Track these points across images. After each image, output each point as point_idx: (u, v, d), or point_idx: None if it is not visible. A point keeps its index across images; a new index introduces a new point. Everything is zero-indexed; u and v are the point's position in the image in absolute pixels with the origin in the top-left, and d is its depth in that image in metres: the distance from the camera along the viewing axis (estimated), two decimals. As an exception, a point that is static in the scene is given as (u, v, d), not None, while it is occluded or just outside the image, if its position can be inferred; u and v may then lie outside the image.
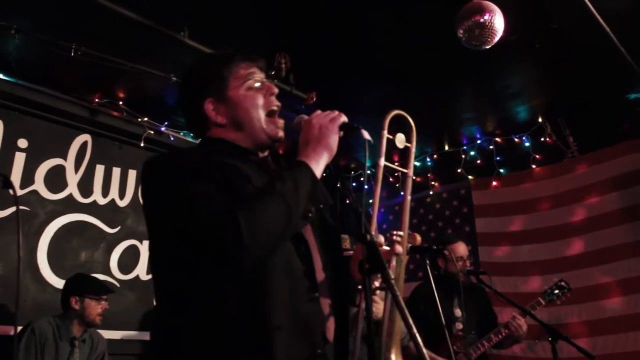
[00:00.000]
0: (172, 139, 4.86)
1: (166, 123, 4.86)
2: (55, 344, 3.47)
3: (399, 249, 1.63)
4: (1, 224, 3.95)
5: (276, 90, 1.64)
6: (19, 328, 3.43)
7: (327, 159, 1.50)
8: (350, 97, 4.56)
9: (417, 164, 5.88)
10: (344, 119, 1.56)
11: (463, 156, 5.64)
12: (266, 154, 1.65)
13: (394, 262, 1.62)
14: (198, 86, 1.63)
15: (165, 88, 4.34)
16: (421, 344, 1.27)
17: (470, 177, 5.65)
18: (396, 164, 1.90)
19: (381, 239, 1.61)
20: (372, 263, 1.37)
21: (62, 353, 3.48)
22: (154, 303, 1.50)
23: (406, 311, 1.32)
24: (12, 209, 3.98)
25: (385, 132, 1.76)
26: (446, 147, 5.76)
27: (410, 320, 1.30)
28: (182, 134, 4.95)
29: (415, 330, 1.28)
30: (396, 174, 5.55)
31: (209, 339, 1.32)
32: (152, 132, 4.74)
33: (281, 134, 1.62)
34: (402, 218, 1.76)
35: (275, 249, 1.35)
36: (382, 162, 1.75)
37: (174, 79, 4.06)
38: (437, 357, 3.47)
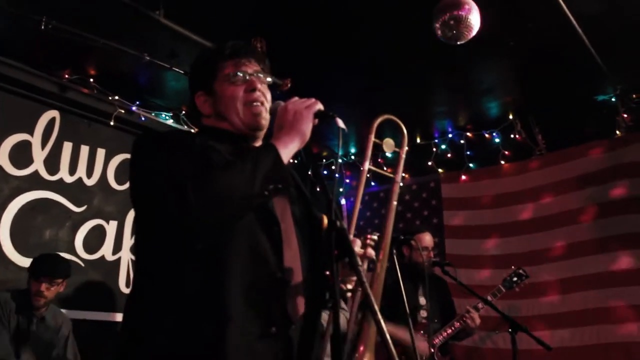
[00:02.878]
0: (143, 119, 4.78)
1: (137, 103, 4.78)
2: (17, 317, 3.45)
3: (370, 252, 1.67)
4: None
5: (257, 85, 1.66)
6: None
7: (299, 144, 1.53)
8: (324, 86, 4.56)
9: (389, 155, 5.89)
10: (319, 106, 1.58)
11: (434, 149, 5.70)
12: (259, 143, 1.70)
13: (365, 266, 1.65)
14: (193, 79, 1.76)
15: (138, 67, 4.27)
16: (384, 328, 1.30)
17: (440, 170, 5.72)
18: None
19: (357, 242, 1.65)
20: (341, 249, 1.40)
21: (22, 327, 3.46)
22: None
23: (372, 297, 1.34)
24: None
25: (372, 135, 1.77)
26: (418, 140, 5.81)
27: (376, 308, 1.32)
28: (153, 114, 4.87)
29: (380, 317, 1.31)
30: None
31: (169, 315, 1.37)
32: (122, 111, 4.65)
33: (258, 120, 1.65)
34: (385, 224, 1.77)
35: (226, 221, 1.40)
36: (367, 166, 1.77)
37: (148, 58, 3.98)
38: (398, 329, 3.48)
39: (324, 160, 6.25)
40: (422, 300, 3.85)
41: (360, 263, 1.38)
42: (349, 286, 1.67)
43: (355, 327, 1.68)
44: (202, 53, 1.79)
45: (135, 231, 1.59)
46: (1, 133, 4.13)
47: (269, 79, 1.72)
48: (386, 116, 1.87)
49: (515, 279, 3.95)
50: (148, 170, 1.45)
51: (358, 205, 1.76)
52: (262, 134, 1.69)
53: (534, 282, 4.07)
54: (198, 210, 1.32)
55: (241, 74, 1.66)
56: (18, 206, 4.15)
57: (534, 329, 3.79)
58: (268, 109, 1.67)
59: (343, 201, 6.22)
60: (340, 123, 1.54)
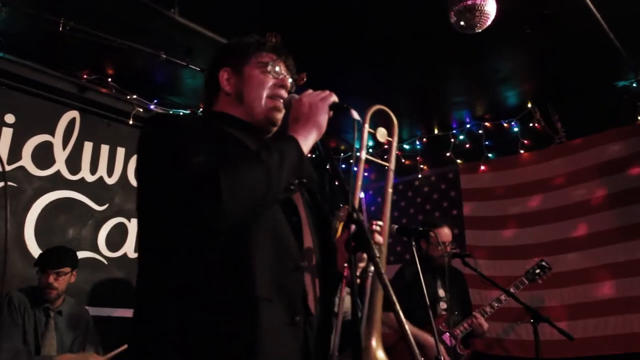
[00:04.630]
0: (161, 117, 4.83)
1: (155, 101, 4.83)
2: (34, 313, 3.50)
3: (378, 238, 1.68)
4: (-12, 199, 3.92)
5: (288, 85, 1.68)
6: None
7: (316, 136, 1.53)
8: (340, 79, 4.55)
9: (407, 147, 5.90)
10: (334, 98, 1.59)
11: (452, 140, 5.66)
12: (266, 136, 1.69)
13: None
14: (222, 56, 1.74)
15: (155, 65, 4.29)
16: (403, 319, 1.30)
17: (458, 161, 5.68)
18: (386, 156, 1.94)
19: None
20: (358, 241, 1.40)
21: (39, 322, 3.51)
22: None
23: (390, 289, 1.35)
24: (-1, 185, 3.97)
25: (367, 125, 1.80)
26: (436, 131, 5.78)
27: (394, 297, 1.33)
28: (171, 112, 4.91)
29: (398, 307, 1.31)
30: (386, 157, 5.56)
31: (191, 305, 1.34)
32: (141, 110, 4.70)
33: (278, 117, 1.66)
34: (383, 210, 1.80)
35: (253, 214, 1.38)
36: (364, 154, 1.80)
37: (164, 56, 4.03)
38: (420, 331, 3.53)
39: (342, 154, 6.26)
40: (442, 292, 3.85)
41: (378, 254, 1.39)
42: (357, 272, 1.67)
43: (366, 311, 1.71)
44: (242, 39, 1.78)
45: (141, 221, 1.50)
46: (24, 134, 4.21)
47: (294, 87, 1.74)
48: (377, 107, 1.91)
49: (538, 271, 3.91)
50: (167, 156, 1.38)
51: (358, 192, 1.78)
52: (274, 130, 1.69)
53: (557, 272, 4.02)
54: (232, 205, 1.29)
55: (277, 67, 1.68)
56: (42, 206, 4.23)
57: (557, 320, 3.75)
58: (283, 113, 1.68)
59: (362, 194, 6.19)
60: (355, 115, 1.55)
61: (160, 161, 1.40)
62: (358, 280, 1.55)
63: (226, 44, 1.81)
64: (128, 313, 4.42)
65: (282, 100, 1.65)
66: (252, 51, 1.69)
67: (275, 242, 1.43)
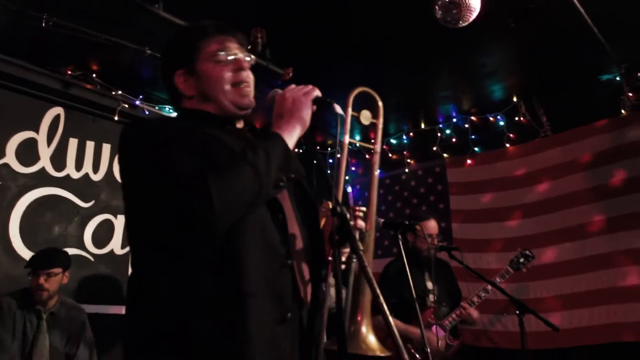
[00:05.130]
0: (146, 112, 4.80)
1: (141, 97, 4.80)
2: (23, 317, 3.48)
3: (360, 223, 1.68)
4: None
5: (246, 65, 1.63)
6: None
7: (300, 131, 1.53)
8: (326, 73, 4.54)
9: (394, 141, 5.92)
10: (317, 93, 1.59)
11: (439, 134, 5.69)
12: (241, 125, 1.67)
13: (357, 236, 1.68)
14: (171, 58, 1.66)
15: (140, 61, 4.27)
16: (387, 312, 1.31)
17: (445, 155, 5.70)
18: (372, 141, 1.94)
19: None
20: (342, 234, 1.41)
21: (30, 326, 3.49)
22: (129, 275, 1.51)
23: (374, 281, 1.36)
24: (-17, 182, 3.94)
25: (350, 109, 1.80)
26: (422, 125, 5.81)
27: (378, 290, 1.34)
28: (157, 108, 4.89)
29: (382, 300, 1.33)
30: (372, 151, 5.59)
31: (183, 307, 1.34)
32: (126, 106, 4.67)
33: (247, 101, 1.62)
34: (369, 194, 1.81)
35: (245, 215, 1.37)
36: (347, 139, 1.79)
37: (148, 52, 4.00)
38: (407, 326, 3.57)
39: (329, 149, 6.26)
40: (430, 285, 3.88)
41: (361, 247, 1.40)
42: (342, 259, 1.67)
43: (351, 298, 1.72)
44: (180, 30, 1.72)
45: (130, 226, 1.50)
46: (7, 131, 4.17)
47: (252, 60, 1.68)
48: (361, 89, 1.89)
49: (522, 260, 3.98)
50: (153, 167, 1.37)
51: (342, 179, 1.78)
52: (246, 114, 1.66)
53: (542, 264, 4.06)
54: (224, 211, 1.29)
55: (225, 53, 1.60)
56: (26, 203, 4.20)
57: (544, 311, 3.79)
58: (253, 89, 1.65)
59: (349, 189, 6.23)
60: (338, 109, 1.55)
61: (147, 171, 1.38)
62: (343, 267, 1.57)
63: (170, 40, 1.68)
64: (116, 310, 4.43)
65: (246, 83, 1.61)
66: (198, 42, 1.61)
67: (262, 240, 1.43)
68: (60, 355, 3.58)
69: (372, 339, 1.65)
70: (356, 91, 1.85)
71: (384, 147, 5.81)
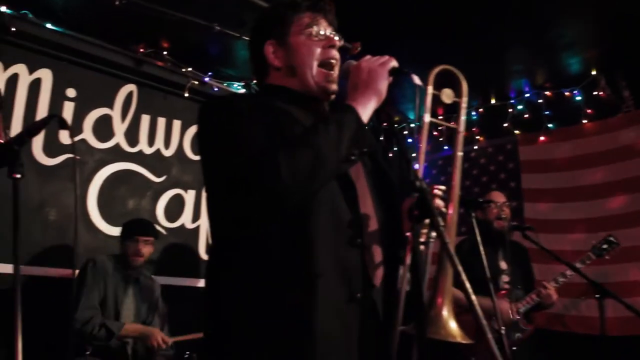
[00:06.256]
0: (215, 89, 4.87)
1: (210, 74, 4.86)
2: (114, 279, 3.64)
3: (439, 203, 1.62)
4: (52, 171, 4.07)
5: (337, 43, 1.62)
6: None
7: (376, 103, 1.49)
8: (392, 49, 4.42)
9: (437, 120, 5.73)
10: (394, 63, 1.54)
11: (510, 110, 5.47)
12: (324, 105, 1.65)
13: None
14: (262, 28, 1.66)
15: (209, 38, 4.31)
16: (470, 291, 1.26)
17: (517, 131, 5.49)
18: (440, 117, 1.87)
19: None
20: (422, 209, 1.36)
21: (119, 287, 3.66)
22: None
23: (456, 258, 1.30)
24: (62, 157, 4.11)
25: (431, 87, 1.72)
26: (492, 101, 5.61)
27: (460, 267, 1.29)
28: (225, 84, 4.95)
29: (464, 277, 1.27)
30: (440, 128, 5.46)
31: (253, 284, 1.35)
32: (196, 83, 4.75)
33: (332, 87, 1.60)
34: (452, 174, 1.74)
35: (315, 190, 1.36)
36: (428, 118, 1.72)
37: (218, 28, 4.03)
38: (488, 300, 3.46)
39: (395, 125, 6.16)
40: (504, 265, 3.75)
41: (442, 224, 1.35)
42: (421, 239, 1.62)
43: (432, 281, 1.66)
44: (275, 4, 1.72)
45: (208, 199, 1.54)
46: (84, 108, 4.32)
47: (342, 41, 1.67)
48: (443, 67, 1.81)
49: (605, 246, 3.75)
50: (227, 140, 1.40)
51: (422, 159, 1.71)
52: (328, 100, 1.64)
53: (623, 247, 3.84)
54: (293, 185, 1.29)
55: (317, 28, 1.60)
56: (103, 177, 4.36)
57: (625, 296, 3.59)
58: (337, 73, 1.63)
59: (416, 166, 6.11)
60: (417, 79, 1.49)
61: (221, 147, 1.41)
62: (422, 248, 1.51)
63: (263, 13, 1.72)
64: (187, 282, 4.57)
65: (334, 62, 1.60)
66: (291, 16, 1.61)
67: (332, 217, 1.41)
68: (141, 319, 3.74)
69: (452, 325, 1.59)
70: (437, 69, 1.77)
71: (452, 123, 5.64)
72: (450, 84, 1.76)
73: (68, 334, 3.22)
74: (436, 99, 1.74)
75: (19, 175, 1.67)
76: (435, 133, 5.64)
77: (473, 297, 1.26)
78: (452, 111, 1.84)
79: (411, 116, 5.55)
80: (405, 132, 5.99)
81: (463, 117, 1.79)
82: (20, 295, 1.58)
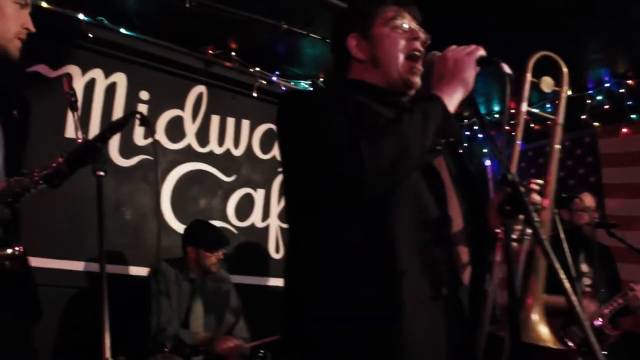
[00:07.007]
0: (283, 88, 4.89)
1: (277, 73, 4.88)
2: (178, 285, 3.68)
3: (536, 197, 1.53)
4: (127, 172, 4.20)
5: (422, 36, 1.58)
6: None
7: (463, 94, 1.43)
8: (468, 41, 4.31)
9: (536, 110, 5.52)
10: (481, 52, 1.48)
11: (588, 101, 5.21)
12: (405, 100, 1.61)
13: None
14: (345, 22, 1.66)
15: (276, 37, 4.32)
16: (570, 292, 1.18)
17: (596, 124, 5.22)
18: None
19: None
20: (514, 204, 1.28)
21: (185, 293, 3.69)
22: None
23: (553, 256, 1.22)
24: (137, 159, 4.24)
25: (529, 75, 1.65)
26: (569, 92, 5.35)
27: (557, 265, 1.21)
28: (292, 83, 4.96)
29: (562, 276, 1.19)
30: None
31: (334, 282, 1.33)
32: (263, 82, 4.78)
33: (416, 80, 1.57)
34: (549, 167, 1.66)
35: (398, 180, 1.33)
36: (525, 107, 1.66)
37: (285, 26, 4.04)
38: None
39: (466, 121, 5.99)
40: (585, 268, 3.55)
41: (537, 219, 1.26)
42: (514, 236, 1.54)
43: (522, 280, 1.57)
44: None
45: (286, 195, 1.54)
46: (157, 110, 4.43)
47: (426, 33, 1.63)
48: (543, 52, 1.71)
49: None
50: (309, 128, 1.39)
51: (517, 152, 1.63)
52: (411, 93, 1.60)
53: None
54: (376, 175, 1.28)
55: (401, 21, 1.58)
56: (176, 178, 4.46)
57: None
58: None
59: (488, 162, 5.95)
60: (506, 68, 1.42)
61: (302, 137, 1.40)
62: (514, 245, 1.43)
63: (346, 8, 1.76)
64: (258, 281, 4.61)
65: (419, 55, 1.57)
66: (375, 9, 1.60)
67: (417, 211, 1.37)
68: (211, 324, 3.75)
69: (543, 328, 1.50)
70: (536, 55, 1.69)
71: (526, 117, 5.42)
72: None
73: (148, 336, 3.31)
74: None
75: (102, 173, 1.70)
76: (507, 127, 5.44)
77: (573, 297, 1.17)
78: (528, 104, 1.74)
79: (495, 107, 5.40)
80: (475, 128, 5.82)
81: (562, 108, 1.70)
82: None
